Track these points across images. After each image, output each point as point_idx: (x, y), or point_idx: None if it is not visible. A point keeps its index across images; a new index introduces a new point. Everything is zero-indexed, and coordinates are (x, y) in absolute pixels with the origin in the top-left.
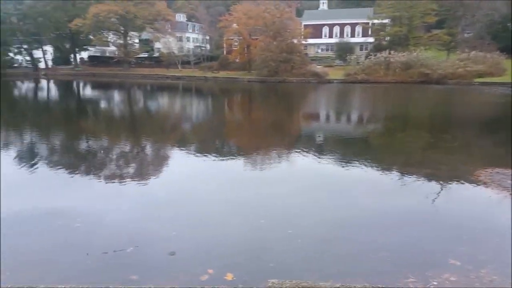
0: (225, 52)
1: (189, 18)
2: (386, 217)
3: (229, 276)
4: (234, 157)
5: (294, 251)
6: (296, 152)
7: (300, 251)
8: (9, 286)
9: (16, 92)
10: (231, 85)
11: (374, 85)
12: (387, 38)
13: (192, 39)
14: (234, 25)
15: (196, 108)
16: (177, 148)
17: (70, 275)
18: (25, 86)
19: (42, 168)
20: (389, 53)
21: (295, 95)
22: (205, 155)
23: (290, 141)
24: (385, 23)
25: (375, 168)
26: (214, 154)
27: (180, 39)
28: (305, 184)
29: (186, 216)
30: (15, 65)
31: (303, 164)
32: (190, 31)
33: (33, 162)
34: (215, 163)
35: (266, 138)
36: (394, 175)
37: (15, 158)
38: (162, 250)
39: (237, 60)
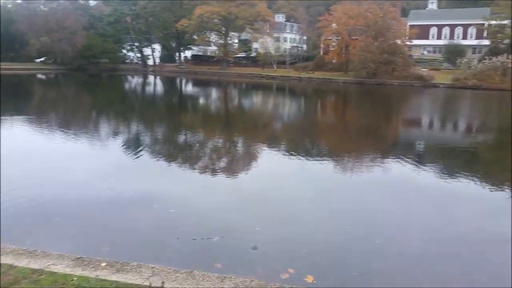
0: (321, 52)
1: (288, 19)
2: (495, 243)
3: (310, 278)
4: (324, 159)
5: (380, 263)
6: (392, 159)
7: (385, 265)
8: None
9: (126, 85)
10: (325, 86)
11: (487, 92)
12: (506, 41)
13: (289, 39)
14: (333, 25)
15: (288, 107)
16: (267, 146)
17: (161, 255)
18: (134, 81)
19: (145, 156)
20: (508, 58)
21: (395, 99)
22: (295, 155)
23: (386, 147)
24: (504, 24)
25: (484, 184)
26: (304, 155)
27: (277, 39)
28: (398, 194)
29: (271, 213)
30: (127, 61)
31: (399, 173)
32: (288, 31)
33: (137, 150)
34: (305, 163)
35: (359, 142)
36: (507, 194)
37: (122, 146)
38: (245, 243)
39: (334, 61)
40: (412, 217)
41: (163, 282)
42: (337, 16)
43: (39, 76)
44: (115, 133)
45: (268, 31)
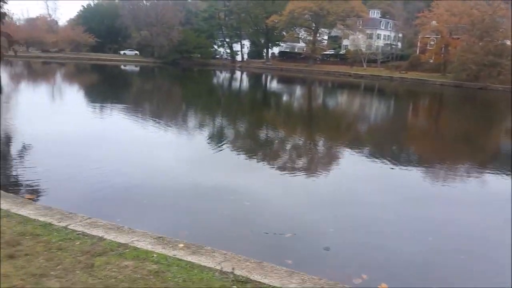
0: (417, 51)
1: (383, 15)
2: None
3: (384, 286)
4: (412, 166)
5: (463, 281)
6: (491, 172)
7: (470, 283)
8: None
9: (215, 80)
10: (419, 88)
11: None
12: None
13: (383, 37)
14: (433, 22)
15: (376, 108)
16: (349, 148)
17: (233, 244)
18: (222, 75)
19: (226, 149)
20: None
21: (498, 105)
22: (380, 159)
23: (484, 158)
24: None
25: None
26: (390, 159)
27: (370, 36)
28: (494, 210)
29: (348, 216)
30: (217, 56)
31: (497, 187)
32: (382, 28)
33: (220, 142)
34: (390, 168)
35: (454, 150)
36: None
37: (207, 138)
38: (317, 243)
39: (431, 61)
40: (505, 237)
41: (233, 268)
42: (438, 13)
43: (128, 68)
44: (201, 125)
45: (360, 27)
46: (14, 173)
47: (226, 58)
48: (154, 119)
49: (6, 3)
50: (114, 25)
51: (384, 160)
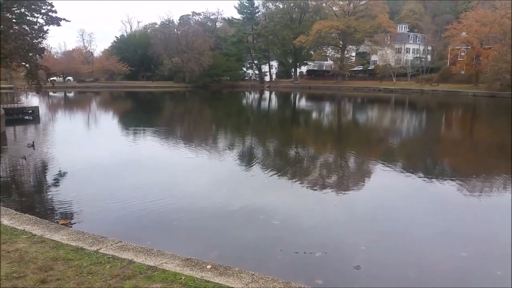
0: (448, 63)
1: (411, 29)
2: None
3: None
4: (447, 179)
5: None
6: None
7: None
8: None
9: (244, 101)
10: (451, 99)
11: None
12: None
13: (412, 50)
14: (463, 33)
15: (407, 122)
16: (381, 163)
17: (262, 264)
18: (251, 96)
19: (256, 168)
20: None
21: None
22: (413, 173)
23: None
24: None
25: None
26: (423, 173)
27: (398, 51)
28: None
29: (380, 233)
30: (246, 78)
31: None
32: (411, 42)
33: (250, 162)
34: (424, 182)
35: (490, 163)
36: None
37: (236, 157)
38: (348, 261)
39: (462, 72)
40: None
41: None
42: (467, 24)
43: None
44: (231, 145)
45: (388, 42)
46: (49, 198)
47: (254, 79)
48: (184, 141)
49: (45, 39)
50: (146, 53)
51: (418, 174)
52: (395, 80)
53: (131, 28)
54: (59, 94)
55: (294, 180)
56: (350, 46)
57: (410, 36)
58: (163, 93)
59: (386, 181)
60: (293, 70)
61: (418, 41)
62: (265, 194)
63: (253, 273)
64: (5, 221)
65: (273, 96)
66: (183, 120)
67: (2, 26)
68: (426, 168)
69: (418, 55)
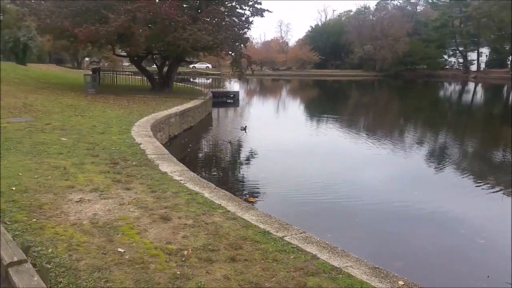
0: None
1: None
2: None
3: None
4: None
5: None
6: None
7: None
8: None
9: (441, 93)
10: None
11: None
12: None
13: None
14: None
15: None
16: None
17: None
18: (451, 88)
19: (448, 170)
20: None
21: None
22: None
23: None
24: None
25: None
26: None
27: None
28: None
29: None
30: (446, 67)
31: None
32: None
33: (441, 163)
34: None
35: None
36: None
37: (426, 156)
38: None
39: None
40: None
41: None
42: None
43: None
44: (420, 142)
45: None
46: (240, 176)
47: (457, 68)
48: (368, 133)
49: (250, 29)
50: (339, 42)
51: None
52: None
53: (326, 17)
54: (254, 81)
55: (505, 192)
56: None
57: None
58: (349, 82)
59: None
60: (509, 58)
61: None
62: (466, 203)
63: None
64: (206, 194)
65: (479, 88)
66: (368, 110)
67: (216, 19)
68: None
69: None
